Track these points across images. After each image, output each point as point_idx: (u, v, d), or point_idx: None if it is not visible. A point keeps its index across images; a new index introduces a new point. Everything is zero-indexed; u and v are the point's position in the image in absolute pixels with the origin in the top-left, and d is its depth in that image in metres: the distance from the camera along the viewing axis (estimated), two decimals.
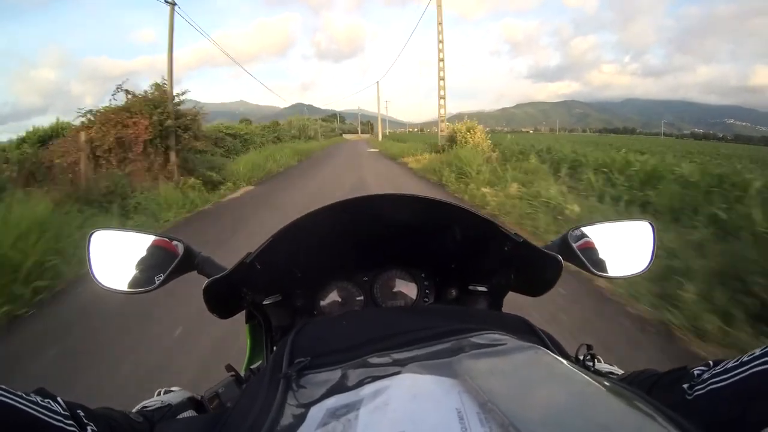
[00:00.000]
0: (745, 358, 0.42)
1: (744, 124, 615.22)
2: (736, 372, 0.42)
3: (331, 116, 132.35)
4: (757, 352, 0.41)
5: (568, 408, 0.33)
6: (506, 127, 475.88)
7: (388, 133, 74.56)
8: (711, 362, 0.47)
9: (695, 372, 0.47)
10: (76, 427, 0.39)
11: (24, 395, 0.38)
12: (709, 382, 0.44)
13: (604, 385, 0.36)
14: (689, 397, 0.45)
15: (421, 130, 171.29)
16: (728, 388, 0.42)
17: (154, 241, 0.78)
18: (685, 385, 0.46)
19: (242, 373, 0.76)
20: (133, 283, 0.76)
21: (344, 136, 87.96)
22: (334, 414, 0.36)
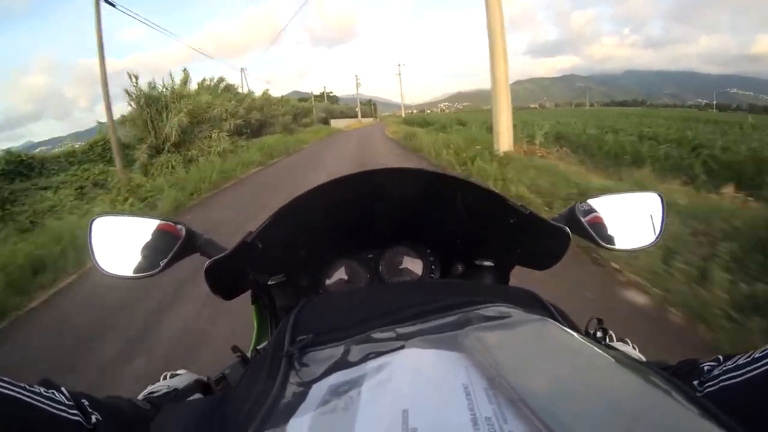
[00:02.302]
0: (757, 354, 0.42)
1: (747, 93, 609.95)
2: (748, 368, 0.41)
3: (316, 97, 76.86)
4: None
5: (579, 382, 0.32)
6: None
7: (403, 116, 59.27)
8: (721, 357, 0.47)
9: (705, 367, 0.47)
10: (80, 417, 0.40)
11: (27, 386, 0.38)
12: (720, 378, 0.43)
13: (616, 359, 0.36)
14: (700, 394, 0.44)
15: (422, 111, 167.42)
16: (741, 385, 0.41)
17: (157, 225, 0.77)
18: (696, 381, 0.46)
19: (249, 355, 0.76)
20: (137, 268, 0.75)
21: (333, 123, 54.18)
22: (336, 391, 0.36)
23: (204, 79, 22.44)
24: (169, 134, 16.25)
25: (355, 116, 77.05)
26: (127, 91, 16.75)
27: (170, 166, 15.20)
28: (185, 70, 19.47)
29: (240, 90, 28.80)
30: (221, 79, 23.58)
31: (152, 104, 16.92)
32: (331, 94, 75.91)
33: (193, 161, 15.67)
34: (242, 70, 34.33)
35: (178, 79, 17.83)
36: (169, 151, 16.28)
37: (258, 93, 32.20)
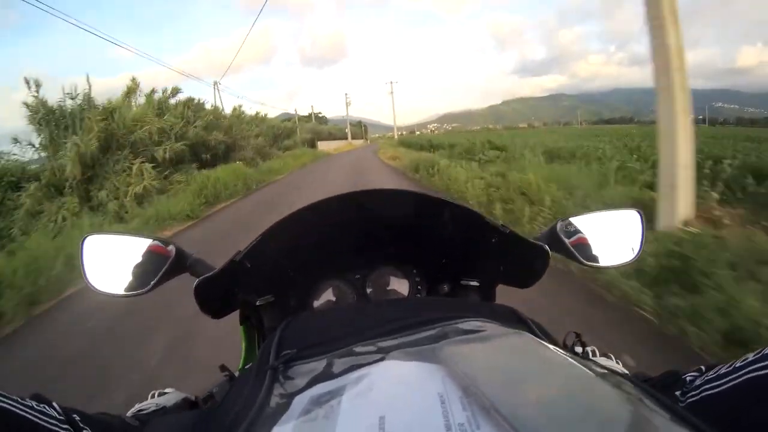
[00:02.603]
0: (738, 364, 0.42)
1: (732, 106, 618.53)
2: (729, 378, 0.42)
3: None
4: (750, 357, 0.42)
5: (551, 390, 0.33)
6: (496, 124, 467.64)
7: (396, 137, 50.45)
8: (703, 368, 0.47)
9: (687, 378, 0.47)
10: (71, 431, 0.40)
11: (19, 399, 0.39)
12: (702, 388, 0.44)
13: (591, 370, 0.36)
14: (682, 404, 0.45)
15: (412, 133, 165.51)
16: (722, 395, 0.42)
17: (147, 244, 0.78)
18: (678, 392, 0.46)
19: (236, 374, 0.76)
20: (127, 287, 0.76)
21: (321, 145, 46.00)
22: (318, 401, 0.36)
23: (153, 90, 15.46)
24: (69, 164, 10.74)
25: (345, 137, 68.61)
26: (26, 104, 11.67)
27: (61, 218, 9.83)
28: (134, 78, 14.25)
29: (212, 107, 22.04)
30: (176, 90, 16.59)
31: (56, 121, 11.65)
32: (319, 115, 65.25)
33: (101, 207, 10.35)
34: (215, 84, 26.40)
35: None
36: (71, 192, 10.75)
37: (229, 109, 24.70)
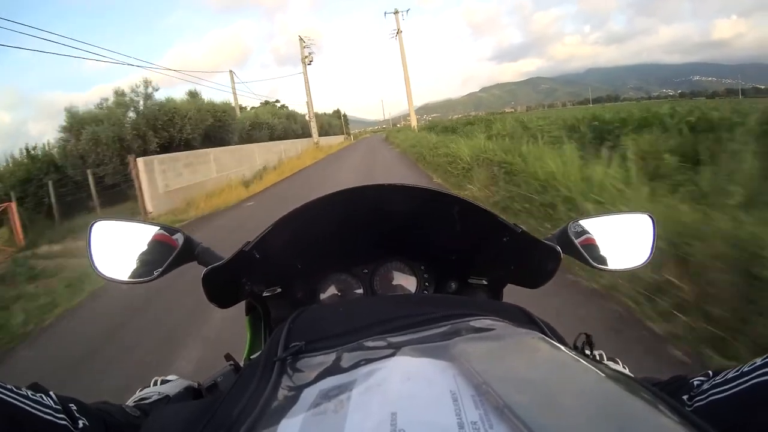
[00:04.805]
0: (746, 368, 0.42)
1: (710, 79, 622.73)
2: (737, 383, 0.42)
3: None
4: (758, 362, 0.41)
5: (564, 391, 0.33)
6: (476, 111, 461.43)
7: (416, 126, 33.59)
8: (710, 372, 0.47)
9: (695, 382, 0.47)
10: (67, 421, 0.40)
11: (15, 388, 0.39)
12: (709, 392, 0.44)
13: (602, 371, 0.36)
14: (689, 409, 0.45)
15: (395, 125, 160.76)
16: (729, 399, 0.42)
17: (154, 232, 0.78)
18: (685, 396, 0.46)
19: (241, 364, 0.77)
20: (133, 274, 0.76)
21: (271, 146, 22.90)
22: (327, 395, 0.36)
23: None
24: None
25: (334, 134, 53.84)
26: None
27: None
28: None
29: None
30: None
31: None
32: (275, 102, 43.58)
33: None
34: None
35: None
36: None
37: None
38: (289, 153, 25.15)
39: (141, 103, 13.83)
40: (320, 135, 45.65)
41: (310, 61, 35.86)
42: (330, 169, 18.18)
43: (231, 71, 30.38)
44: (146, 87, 14.09)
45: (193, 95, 17.05)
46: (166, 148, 13.27)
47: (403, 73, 34.50)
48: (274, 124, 26.56)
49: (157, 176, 10.70)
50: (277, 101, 38.87)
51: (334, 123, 73.59)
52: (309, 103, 35.73)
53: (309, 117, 36.00)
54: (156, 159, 11.09)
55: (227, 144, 17.27)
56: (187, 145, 13.95)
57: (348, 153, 30.46)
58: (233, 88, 30.35)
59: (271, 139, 24.88)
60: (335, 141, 54.08)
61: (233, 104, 29.08)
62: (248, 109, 29.59)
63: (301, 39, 34.81)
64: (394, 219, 0.80)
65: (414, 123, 36.33)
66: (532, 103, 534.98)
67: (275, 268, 0.80)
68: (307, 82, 35.71)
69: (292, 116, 34.05)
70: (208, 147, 14.81)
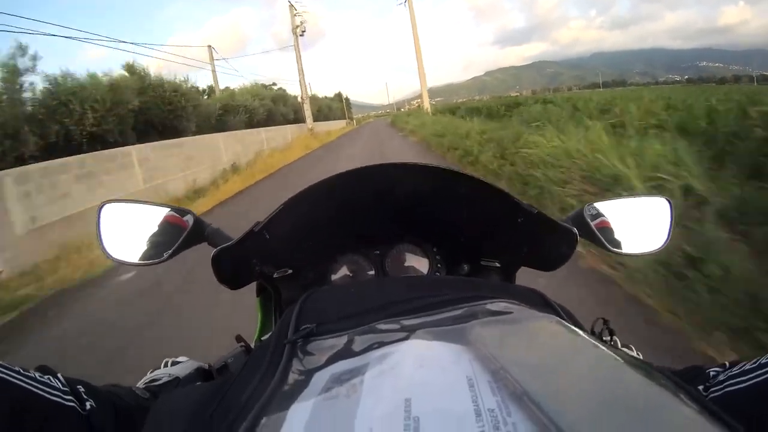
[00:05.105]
0: (763, 360, 0.41)
1: (716, 65, 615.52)
2: (754, 374, 0.41)
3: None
4: None
5: (583, 377, 0.33)
6: (480, 95, 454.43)
7: (429, 108, 29.41)
8: (727, 363, 0.47)
9: (711, 373, 0.47)
10: (75, 402, 0.40)
11: (22, 370, 0.39)
12: (725, 383, 0.43)
13: (621, 357, 0.36)
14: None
15: (399, 109, 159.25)
16: (746, 391, 0.41)
17: (165, 213, 0.77)
18: (700, 387, 0.46)
19: (252, 346, 0.77)
20: (143, 255, 0.75)
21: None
22: (339, 379, 0.36)
23: None
24: None
25: (335, 119, 46.93)
26: None
27: None
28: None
29: None
30: None
31: None
32: (276, 87, 27.42)
33: None
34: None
35: None
36: None
37: None
38: (273, 143, 19.42)
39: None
40: (319, 120, 40.28)
41: (302, 32, 28.78)
42: (322, 166, 12.75)
43: (210, 46, 24.91)
44: (20, 55, 8.45)
45: (132, 70, 11.86)
46: (56, 148, 8.22)
47: (414, 46, 28.13)
48: (254, 107, 20.19)
49: (11, 205, 5.71)
50: (274, 84, 31.43)
51: (335, 106, 64.88)
52: (302, 82, 28.20)
53: (302, 98, 28.44)
54: (10, 174, 5.86)
55: (182, 134, 12.16)
56: (99, 142, 9.07)
57: (350, 141, 25.05)
58: (212, 67, 24.95)
59: (250, 125, 19.05)
60: (336, 126, 48.65)
61: (217, 86, 23.54)
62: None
63: (291, 5, 28.28)
64: (406, 199, 0.79)
65: (426, 104, 31.06)
66: (537, 87, 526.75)
67: (285, 249, 0.79)
68: (299, 56, 28.42)
69: (281, 98, 26.50)
70: (153, 140, 9.93)
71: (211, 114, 15.60)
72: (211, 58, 24.59)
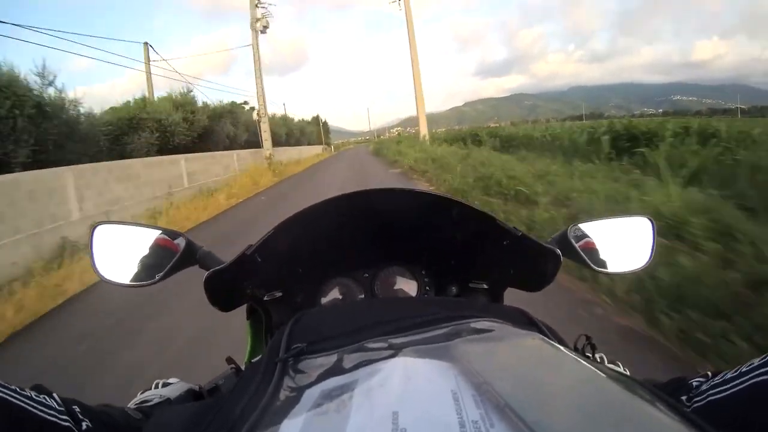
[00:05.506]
0: (744, 369, 0.42)
1: (690, 98, 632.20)
2: (735, 383, 0.42)
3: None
4: (756, 362, 0.42)
5: (564, 390, 0.34)
6: (459, 125, 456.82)
7: (426, 135, 25.81)
8: (709, 373, 0.48)
9: (693, 383, 0.48)
10: (71, 423, 0.40)
11: (18, 389, 0.38)
12: (708, 393, 0.44)
13: (602, 372, 0.37)
14: (688, 409, 0.45)
15: (379, 137, 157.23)
16: (728, 399, 0.42)
17: (156, 235, 0.77)
18: (684, 397, 0.46)
19: (243, 368, 0.77)
20: (134, 277, 0.75)
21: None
22: (329, 395, 0.36)
23: None
24: None
25: (309, 144, 38.22)
26: None
27: None
28: None
29: None
30: None
31: None
32: (245, 105, 24.18)
33: None
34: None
35: None
36: None
37: None
38: (202, 177, 13.10)
39: None
40: (290, 144, 33.25)
41: (264, 27, 21.43)
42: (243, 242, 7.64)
43: (146, 43, 19.49)
44: None
45: None
46: None
47: (411, 69, 24.06)
48: (172, 123, 13.47)
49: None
50: (245, 102, 24.36)
51: (310, 130, 53.96)
52: (260, 94, 20.97)
53: (258, 115, 20.77)
54: None
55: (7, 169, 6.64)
56: None
57: (324, 177, 17.21)
58: (147, 68, 19.40)
59: (167, 150, 12.80)
60: (309, 153, 41.16)
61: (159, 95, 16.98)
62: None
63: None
64: (395, 223, 0.80)
65: (424, 130, 26.20)
66: (515, 118, 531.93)
67: (277, 272, 0.80)
68: (257, 58, 21.37)
69: (228, 113, 19.17)
70: None
71: (96, 137, 10.03)
72: (147, 58, 19.20)
